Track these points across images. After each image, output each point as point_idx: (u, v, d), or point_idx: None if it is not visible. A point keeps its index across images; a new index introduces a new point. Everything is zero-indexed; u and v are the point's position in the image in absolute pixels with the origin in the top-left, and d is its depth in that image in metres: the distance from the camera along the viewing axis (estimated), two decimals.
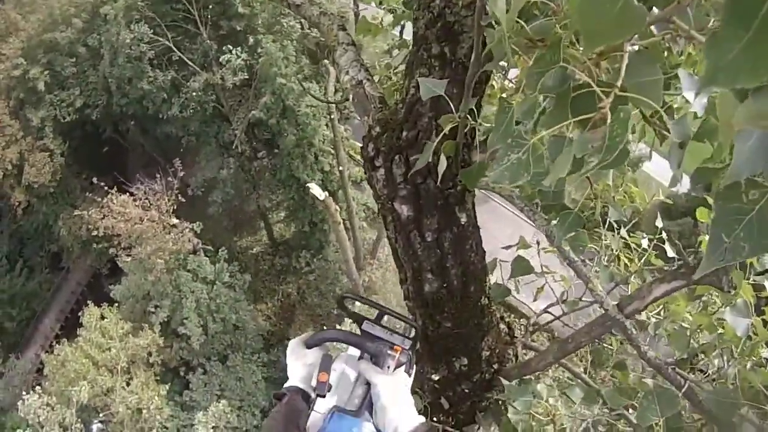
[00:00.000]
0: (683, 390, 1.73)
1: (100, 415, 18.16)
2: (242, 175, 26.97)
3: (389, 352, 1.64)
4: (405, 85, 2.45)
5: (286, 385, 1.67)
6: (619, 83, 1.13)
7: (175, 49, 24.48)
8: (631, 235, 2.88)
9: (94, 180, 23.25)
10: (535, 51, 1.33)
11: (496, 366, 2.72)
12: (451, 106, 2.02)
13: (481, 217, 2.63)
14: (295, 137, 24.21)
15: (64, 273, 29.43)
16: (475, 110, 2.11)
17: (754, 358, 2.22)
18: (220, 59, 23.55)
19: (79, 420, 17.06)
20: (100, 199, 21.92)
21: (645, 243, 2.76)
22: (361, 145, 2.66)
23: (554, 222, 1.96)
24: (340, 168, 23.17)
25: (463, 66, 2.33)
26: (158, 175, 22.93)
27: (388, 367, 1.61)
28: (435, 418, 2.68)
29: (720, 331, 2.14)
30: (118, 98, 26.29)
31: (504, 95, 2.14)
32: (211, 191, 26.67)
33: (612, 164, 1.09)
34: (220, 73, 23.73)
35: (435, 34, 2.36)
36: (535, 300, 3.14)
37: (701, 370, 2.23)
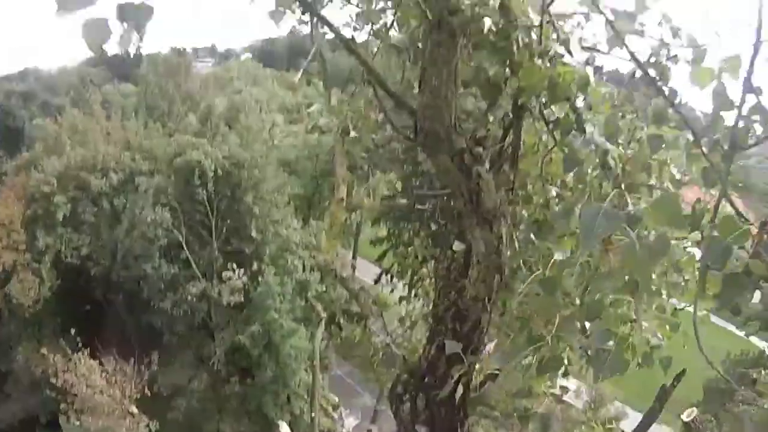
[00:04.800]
0: None
1: None
2: (211, 394, 26.44)
3: None
4: (426, 349, 3.82)
5: None
6: None
7: (185, 247, 25.58)
8: None
9: (71, 330, 22.61)
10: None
11: None
12: (463, 358, 3.36)
13: None
14: (272, 373, 24.49)
15: (2, 397, 27.16)
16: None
17: None
18: (222, 274, 24.53)
19: None
20: (69, 351, 21.49)
21: None
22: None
23: None
24: (313, 414, 23.01)
25: (467, 338, 3.73)
26: (132, 359, 22.50)
27: None
28: None
29: None
30: (119, 268, 26.46)
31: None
32: (177, 397, 25.98)
33: None
34: (218, 288, 24.63)
35: (450, 316, 3.78)
36: None
37: None
